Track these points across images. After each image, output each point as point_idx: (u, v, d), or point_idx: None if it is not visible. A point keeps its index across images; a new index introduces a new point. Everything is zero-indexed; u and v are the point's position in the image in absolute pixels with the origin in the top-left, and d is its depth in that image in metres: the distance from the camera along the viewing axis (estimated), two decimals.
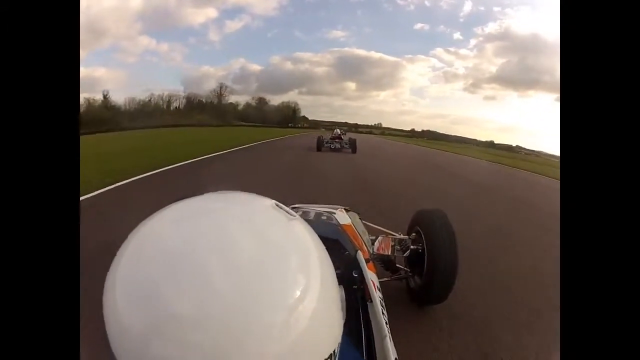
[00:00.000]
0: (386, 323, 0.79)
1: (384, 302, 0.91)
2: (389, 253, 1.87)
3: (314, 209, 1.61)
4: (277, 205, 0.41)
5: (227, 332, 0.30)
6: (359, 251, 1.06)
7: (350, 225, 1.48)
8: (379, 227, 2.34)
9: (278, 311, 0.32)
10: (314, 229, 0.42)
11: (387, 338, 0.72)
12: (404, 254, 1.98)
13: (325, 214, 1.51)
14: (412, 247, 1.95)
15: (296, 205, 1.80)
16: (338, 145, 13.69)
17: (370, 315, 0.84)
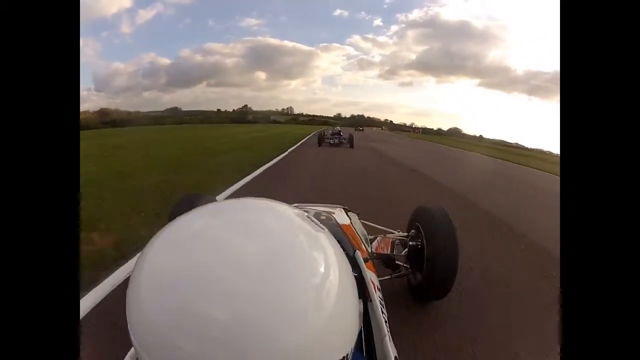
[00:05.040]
0: (386, 322, 0.79)
1: (384, 301, 0.91)
2: (389, 252, 1.87)
3: (313, 208, 1.61)
4: (307, 216, 0.43)
5: (249, 328, 0.31)
6: (357, 251, 1.06)
7: (349, 225, 1.48)
8: (378, 227, 2.34)
9: (296, 312, 0.33)
10: None
11: (387, 337, 0.72)
12: (403, 251, 1.98)
13: (324, 213, 1.51)
14: (411, 243, 1.95)
15: (295, 205, 1.79)
16: (337, 141, 15.33)
17: (369, 314, 0.84)
